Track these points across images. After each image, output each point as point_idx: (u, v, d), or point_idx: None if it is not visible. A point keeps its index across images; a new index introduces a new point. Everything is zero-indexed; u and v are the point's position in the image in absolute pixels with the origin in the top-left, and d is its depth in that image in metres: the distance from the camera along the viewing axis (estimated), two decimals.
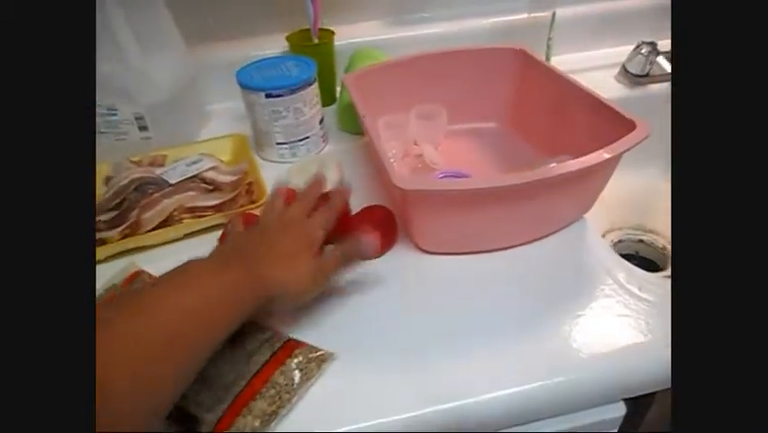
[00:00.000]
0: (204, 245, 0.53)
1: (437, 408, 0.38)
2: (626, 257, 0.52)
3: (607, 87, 0.79)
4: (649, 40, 0.76)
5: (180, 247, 0.54)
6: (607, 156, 0.43)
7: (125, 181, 0.56)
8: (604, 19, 0.85)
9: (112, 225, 0.53)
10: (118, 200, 0.56)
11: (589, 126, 0.53)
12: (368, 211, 0.51)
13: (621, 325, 0.42)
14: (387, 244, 0.51)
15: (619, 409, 0.42)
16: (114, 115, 0.63)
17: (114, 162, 0.61)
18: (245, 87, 0.62)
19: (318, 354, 0.40)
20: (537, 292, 0.46)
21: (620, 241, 0.76)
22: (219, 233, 0.53)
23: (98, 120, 0.63)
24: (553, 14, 0.76)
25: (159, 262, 0.51)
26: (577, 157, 0.44)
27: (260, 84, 0.61)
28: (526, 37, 0.78)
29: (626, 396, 0.42)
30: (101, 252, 0.51)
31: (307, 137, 0.66)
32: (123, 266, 0.50)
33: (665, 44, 0.78)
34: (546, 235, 0.51)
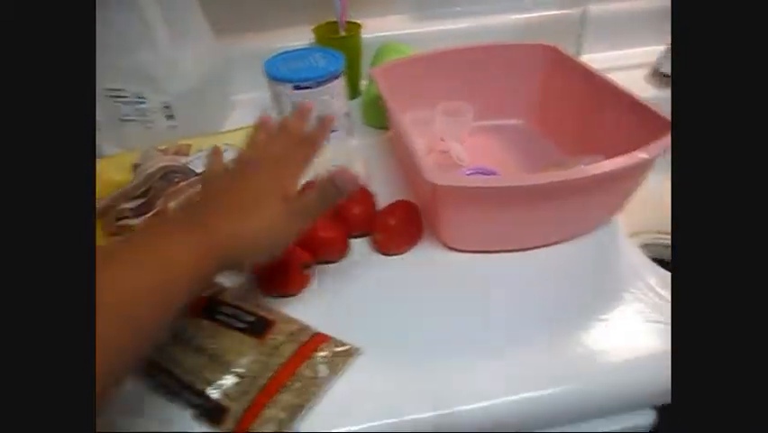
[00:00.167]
0: None
1: (461, 408, 0.37)
2: (655, 261, 0.51)
3: (637, 87, 0.77)
4: None
5: None
6: (645, 157, 0.42)
7: (152, 169, 0.56)
8: (634, 18, 0.83)
9: (138, 212, 0.53)
10: (145, 188, 0.56)
11: (624, 126, 0.52)
12: (393, 207, 0.50)
13: (651, 330, 0.42)
14: (412, 240, 0.50)
15: (648, 417, 0.41)
16: (143, 102, 0.63)
17: (142, 150, 0.61)
18: (273, 78, 0.62)
19: (344, 348, 0.40)
20: (565, 294, 0.45)
21: (647, 244, 0.75)
22: None
23: (127, 108, 0.64)
24: (584, 12, 0.75)
25: None
26: (609, 157, 0.43)
27: (287, 75, 0.61)
28: (554, 34, 0.77)
29: (657, 403, 0.41)
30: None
31: (333, 130, 0.65)
32: None
33: None
34: (575, 237, 0.50)
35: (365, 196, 0.52)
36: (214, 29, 0.71)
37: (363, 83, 0.77)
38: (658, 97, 0.76)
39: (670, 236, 0.75)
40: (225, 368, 0.38)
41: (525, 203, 0.45)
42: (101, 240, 0.52)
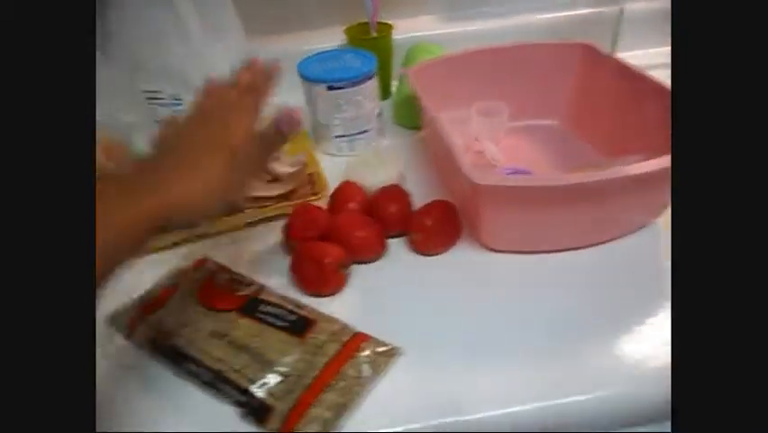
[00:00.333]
0: (264, 235, 0.54)
1: (499, 412, 0.37)
2: None
3: None
4: None
5: (241, 235, 0.55)
6: None
7: None
8: (669, 16, 0.81)
9: None
10: None
11: (666, 125, 0.50)
12: (431, 206, 0.50)
13: None
14: (450, 240, 0.50)
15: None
16: (179, 104, 0.64)
17: None
18: (307, 78, 0.62)
19: (386, 348, 0.40)
20: (603, 298, 0.44)
21: None
22: (281, 223, 0.54)
23: (164, 109, 0.64)
24: (621, 10, 0.74)
25: (221, 249, 0.52)
26: (651, 157, 0.42)
27: (322, 76, 0.61)
28: (586, 33, 0.75)
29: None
30: (164, 239, 0.52)
31: (366, 131, 0.65)
32: (185, 253, 0.51)
33: None
34: (615, 239, 0.49)
35: (400, 195, 0.52)
36: (246, 30, 0.71)
37: (394, 84, 0.76)
38: None
39: None
40: (269, 367, 0.38)
41: (566, 203, 0.44)
42: None
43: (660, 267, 0.48)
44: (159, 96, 0.64)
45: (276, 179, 0.59)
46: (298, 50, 0.73)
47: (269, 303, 0.42)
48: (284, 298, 0.44)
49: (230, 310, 0.42)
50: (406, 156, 0.64)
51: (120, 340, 0.43)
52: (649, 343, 0.40)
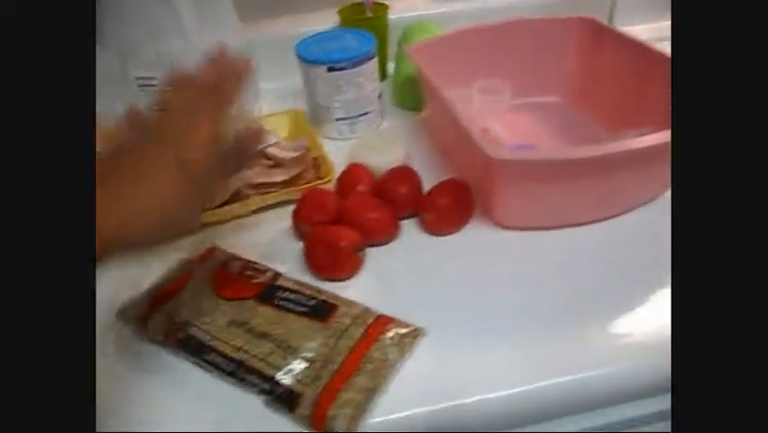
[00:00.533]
0: (271, 221, 0.53)
1: (525, 388, 0.37)
2: None
3: None
4: None
5: (248, 222, 0.53)
6: None
7: None
8: None
9: None
10: None
11: None
12: (443, 186, 0.49)
13: None
14: (463, 219, 0.49)
15: None
16: None
17: None
18: (306, 60, 0.60)
19: (410, 329, 0.39)
20: (618, 271, 0.44)
21: None
22: (287, 209, 0.52)
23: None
24: None
25: (227, 238, 0.51)
26: (656, 131, 0.42)
27: (321, 57, 0.60)
28: (582, 7, 0.75)
29: None
30: None
31: (367, 113, 0.64)
32: (193, 242, 0.50)
33: None
34: (630, 210, 0.49)
35: (410, 175, 0.51)
36: (239, 16, 0.69)
37: (390, 65, 0.75)
38: None
39: None
40: (293, 353, 0.37)
41: (582, 176, 0.44)
42: None
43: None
44: (152, 82, 0.61)
45: (278, 164, 0.58)
46: (293, 32, 0.71)
47: (286, 289, 0.41)
48: (301, 283, 0.43)
49: (247, 298, 0.41)
50: (406, 137, 0.63)
51: (130, 334, 0.42)
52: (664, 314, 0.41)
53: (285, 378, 0.35)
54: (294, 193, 0.53)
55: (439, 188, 0.49)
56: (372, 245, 0.48)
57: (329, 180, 0.54)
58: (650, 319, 0.40)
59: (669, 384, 0.36)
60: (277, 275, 0.44)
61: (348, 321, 0.39)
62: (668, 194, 0.51)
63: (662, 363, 0.37)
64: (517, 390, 0.37)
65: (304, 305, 0.40)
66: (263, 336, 0.38)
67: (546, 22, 0.64)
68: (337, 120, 0.63)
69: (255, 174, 0.55)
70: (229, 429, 0.35)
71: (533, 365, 0.38)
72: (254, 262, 0.45)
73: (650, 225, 0.48)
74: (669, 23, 0.82)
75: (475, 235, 0.49)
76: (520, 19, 0.65)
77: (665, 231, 0.48)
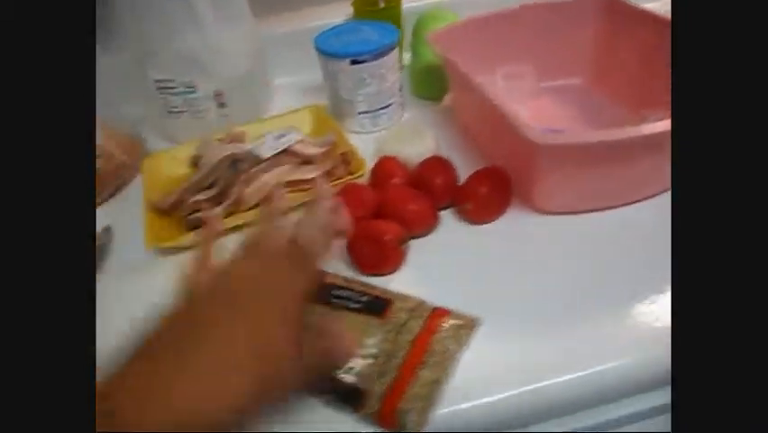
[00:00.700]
0: None
1: (578, 374, 0.36)
2: None
3: None
4: None
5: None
6: None
7: (218, 159, 0.54)
8: None
9: (214, 203, 0.52)
10: (213, 179, 0.54)
11: None
12: (481, 174, 0.49)
13: None
14: (503, 207, 0.49)
15: None
16: (193, 92, 0.61)
17: (200, 141, 0.59)
18: (327, 53, 0.59)
19: (466, 320, 0.39)
20: (658, 253, 0.44)
21: None
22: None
23: (176, 99, 0.61)
24: None
25: None
26: None
27: (342, 50, 0.59)
28: None
29: None
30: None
31: (389, 105, 0.63)
32: (231, 242, 0.49)
33: None
34: (666, 190, 0.49)
35: (445, 166, 0.51)
36: (252, 12, 0.68)
37: (405, 56, 0.74)
38: None
39: None
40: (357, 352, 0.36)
41: (624, 157, 0.44)
42: (178, 235, 0.50)
43: None
44: (170, 84, 0.61)
45: (306, 161, 0.57)
46: (306, 27, 0.70)
47: (337, 286, 0.41)
48: (349, 279, 0.42)
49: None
50: (432, 127, 0.62)
51: None
52: None
53: (347, 376, 0.35)
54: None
55: (477, 177, 0.49)
56: (413, 238, 0.48)
57: (361, 175, 0.53)
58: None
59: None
60: (323, 273, 0.43)
61: (405, 315, 0.38)
62: None
63: None
64: (577, 375, 0.37)
65: (357, 301, 0.39)
66: None
67: (564, 3, 0.64)
68: (360, 113, 0.63)
69: (288, 172, 0.54)
70: (292, 430, 0.35)
71: (590, 349, 0.37)
72: None
73: None
74: None
75: (515, 223, 0.49)
76: (538, 2, 0.64)
77: None
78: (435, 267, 0.46)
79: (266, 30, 0.74)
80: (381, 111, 0.63)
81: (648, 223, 0.47)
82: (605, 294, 0.41)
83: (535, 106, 0.63)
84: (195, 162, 0.59)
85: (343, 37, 0.61)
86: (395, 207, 0.47)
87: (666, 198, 0.49)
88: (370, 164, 0.54)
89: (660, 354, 0.37)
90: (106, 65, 0.68)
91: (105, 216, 0.57)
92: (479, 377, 0.37)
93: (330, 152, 0.58)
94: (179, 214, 0.52)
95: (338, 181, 0.53)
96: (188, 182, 0.54)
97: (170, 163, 0.60)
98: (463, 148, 0.58)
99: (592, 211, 0.48)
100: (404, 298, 0.40)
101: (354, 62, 0.58)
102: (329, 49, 0.59)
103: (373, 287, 0.41)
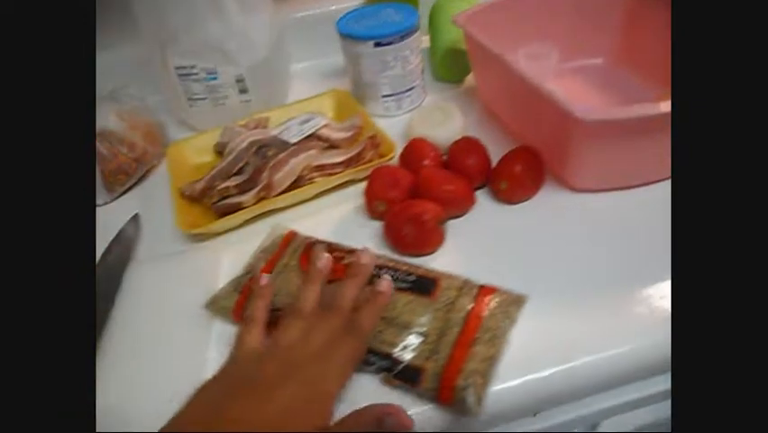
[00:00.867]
0: (335, 204, 0.52)
1: (624, 349, 0.37)
2: None
3: None
4: None
5: (312, 207, 0.52)
6: None
7: (244, 144, 0.54)
8: None
9: (243, 189, 0.51)
10: (241, 165, 0.53)
11: None
12: (515, 154, 0.48)
13: None
14: (537, 185, 0.49)
15: None
16: (215, 78, 0.60)
17: (223, 128, 0.59)
18: (350, 36, 0.59)
19: (514, 296, 0.39)
20: None
21: None
22: (347, 191, 0.52)
23: (197, 86, 0.61)
24: None
25: (297, 222, 0.50)
26: None
27: (365, 33, 0.58)
28: None
29: None
30: (238, 217, 0.49)
31: (412, 87, 0.63)
32: (264, 230, 0.49)
33: None
34: None
35: (476, 146, 0.51)
36: None
37: (424, 39, 0.74)
38: None
39: None
40: (406, 329, 0.36)
41: (662, 133, 0.44)
42: (208, 221, 0.49)
43: None
44: (192, 71, 0.60)
45: (333, 145, 0.57)
46: (321, 11, 0.69)
47: (381, 267, 0.41)
48: (393, 260, 0.42)
49: (342, 279, 0.40)
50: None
51: (222, 325, 0.41)
52: None
53: (403, 354, 0.35)
54: (359, 172, 0.52)
55: (511, 157, 0.48)
56: (450, 218, 0.47)
57: (392, 157, 0.53)
58: None
59: None
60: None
61: (453, 293, 0.38)
62: None
63: None
64: (621, 349, 0.37)
65: (404, 280, 0.39)
66: None
67: None
68: (384, 97, 0.62)
69: (315, 156, 0.54)
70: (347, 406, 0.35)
71: (632, 325, 0.37)
72: (336, 244, 0.44)
73: None
74: None
75: (550, 200, 0.49)
76: None
77: None
78: (472, 246, 0.45)
79: (283, 14, 0.73)
80: (405, 94, 0.63)
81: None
82: (640, 271, 0.41)
83: (558, 86, 0.63)
84: (219, 150, 0.59)
85: (363, 21, 0.60)
86: (431, 188, 0.46)
87: None
88: (398, 147, 0.54)
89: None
90: (127, 54, 0.67)
91: (131, 204, 0.56)
92: (527, 353, 0.36)
93: (355, 136, 0.57)
94: (208, 201, 0.52)
95: (368, 165, 0.52)
96: (216, 169, 0.53)
97: (194, 151, 0.59)
98: (489, 128, 0.58)
99: (625, 188, 0.48)
100: (450, 276, 0.40)
101: (378, 44, 0.58)
102: (352, 32, 0.59)
103: (417, 267, 0.41)
